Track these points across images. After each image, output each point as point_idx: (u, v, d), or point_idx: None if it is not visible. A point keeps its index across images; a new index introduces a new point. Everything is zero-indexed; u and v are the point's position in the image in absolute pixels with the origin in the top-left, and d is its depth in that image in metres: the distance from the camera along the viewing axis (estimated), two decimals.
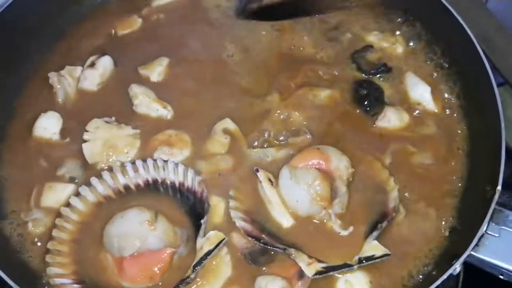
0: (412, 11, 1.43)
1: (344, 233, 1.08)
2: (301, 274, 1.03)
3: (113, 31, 1.44)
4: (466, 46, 1.28)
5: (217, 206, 1.13)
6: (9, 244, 1.11)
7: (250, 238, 1.07)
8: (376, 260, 1.04)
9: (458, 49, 1.33)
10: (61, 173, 1.20)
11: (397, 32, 1.43)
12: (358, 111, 1.28)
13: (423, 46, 1.40)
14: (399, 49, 1.41)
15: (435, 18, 1.39)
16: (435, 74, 1.36)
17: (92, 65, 1.33)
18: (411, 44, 1.41)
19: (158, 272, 1.04)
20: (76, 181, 1.18)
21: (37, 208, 1.16)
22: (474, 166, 1.19)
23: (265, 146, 1.22)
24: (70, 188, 1.18)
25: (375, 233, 1.07)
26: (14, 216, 1.16)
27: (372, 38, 1.41)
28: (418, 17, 1.43)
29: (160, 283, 1.05)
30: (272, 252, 1.06)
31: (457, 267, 0.99)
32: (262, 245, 1.06)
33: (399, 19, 1.45)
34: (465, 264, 1.03)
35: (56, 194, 1.17)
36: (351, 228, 1.09)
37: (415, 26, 1.42)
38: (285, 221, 1.10)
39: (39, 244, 1.12)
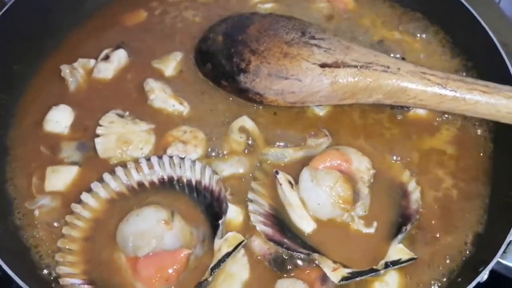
0: (432, 13, 1.42)
1: (370, 230, 1.05)
2: (324, 279, 1.00)
3: (126, 23, 1.41)
4: (487, 48, 1.27)
5: (234, 209, 1.09)
6: (17, 239, 1.07)
7: (271, 243, 1.03)
8: (403, 264, 1.01)
9: (478, 51, 1.32)
10: (62, 157, 1.17)
11: (417, 34, 1.42)
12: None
13: (442, 46, 1.39)
14: (418, 44, 1.40)
15: (456, 20, 1.37)
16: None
17: (106, 58, 1.29)
18: (430, 44, 1.40)
19: (174, 274, 1.00)
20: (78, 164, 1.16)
21: (42, 195, 1.12)
22: (499, 173, 1.16)
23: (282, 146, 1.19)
24: (74, 169, 1.15)
25: (400, 237, 1.04)
26: (20, 208, 1.12)
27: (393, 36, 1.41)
28: (438, 19, 1.42)
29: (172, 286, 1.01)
30: (296, 257, 1.03)
31: (484, 275, 0.96)
32: (284, 250, 1.02)
33: (419, 20, 1.44)
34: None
35: (61, 177, 1.14)
36: (375, 224, 1.06)
37: (433, 26, 1.42)
38: (307, 225, 1.07)
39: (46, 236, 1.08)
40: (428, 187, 1.14)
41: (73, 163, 1.16)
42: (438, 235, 1.07)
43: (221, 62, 1.26)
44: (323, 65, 1.17)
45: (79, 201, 1.09)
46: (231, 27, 1.32)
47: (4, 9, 1.27)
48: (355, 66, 1.15)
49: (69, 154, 1.17)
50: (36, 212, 1.09)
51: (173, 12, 1.44)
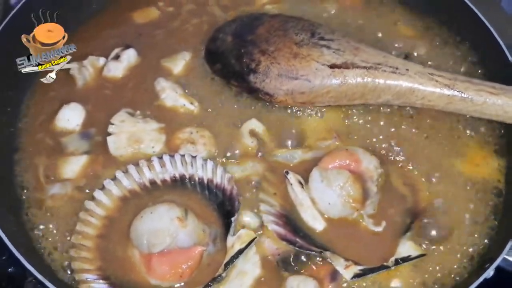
0: (439, 13, 1.44)
1: (378, 229, 1.07)
2: (333, 277, 1.01)
3: (136, 21, 1.41)
4: (494, 52, 1.29)
5: (245, 208, 1.11)
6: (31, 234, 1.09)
7: (284, 242, 1.05)
8: (412, 261, 1.03)
9: (485, 54, 1.33)
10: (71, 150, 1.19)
11: (422, 33, 1.43)
12: None
13: (449, 48, 1.40)
14: (422, 43, 1.40)
15: (460, 21, 1.39)
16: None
17: (117, 57, 1.30)
18: (435, 43, 1.41)
19: (188, 270, 1.01)
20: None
21: (52, 184, 1.14)
22: (508, 169, 1.18)
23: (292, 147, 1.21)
24: (83, 159, 1.17)
25: (409, 234, 1.06)
26: (31, 202, 1.13)
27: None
28: (444, 18, 1.43)
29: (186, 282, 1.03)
30: (305, 256, 1.05)
31: (491, 271, 0.99)
32: (297, 248, 1.04)
33: (424, 19, 1.45)
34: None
35: (71, 166, 1.16)
36: (383, 223, 1.08)
37: (441, 29, 1.43)
38: (318, 224, 1.08)
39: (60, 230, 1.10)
40: (437, 185, 1.15)
41: (83, 153, 1.18)
42: (446, 232, 1.09)
43: (231, 62, 1.27)
44: (332, 66, 1.18)
45: (92, 198, 1.10)
46: (240, 27, 1.33)
47: (15, 10, 1.27)
48: (364, 67, 1.17)
49: (76, 146, 1.19)
50: (49, 202, 1.11)
51: (184, 11, 1.44)
